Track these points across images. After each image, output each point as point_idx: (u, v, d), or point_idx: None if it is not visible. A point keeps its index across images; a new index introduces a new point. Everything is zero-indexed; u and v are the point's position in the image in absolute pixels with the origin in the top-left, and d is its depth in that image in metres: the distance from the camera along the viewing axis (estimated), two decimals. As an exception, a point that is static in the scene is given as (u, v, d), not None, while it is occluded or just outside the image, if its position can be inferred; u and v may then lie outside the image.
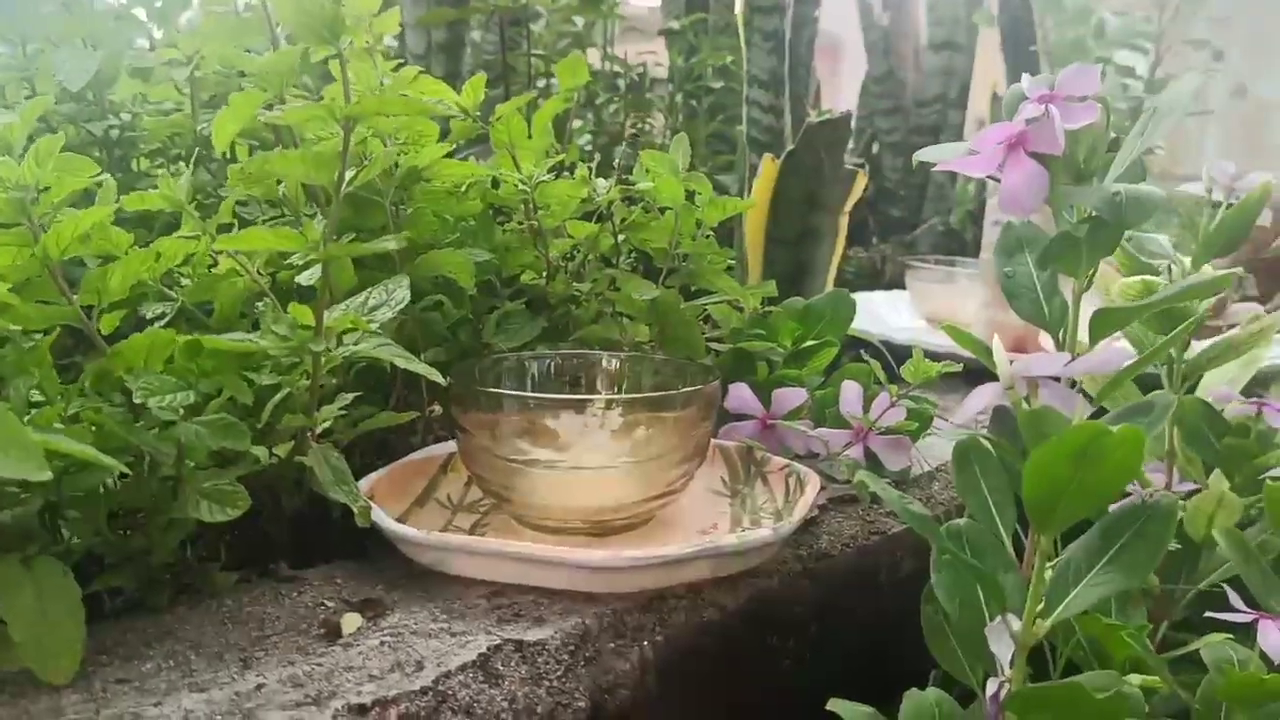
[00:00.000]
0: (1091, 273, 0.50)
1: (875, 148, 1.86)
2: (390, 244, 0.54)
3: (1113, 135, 0.50)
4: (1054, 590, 0.45)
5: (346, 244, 0.53)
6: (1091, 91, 0.47)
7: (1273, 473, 0.51)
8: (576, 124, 1.44)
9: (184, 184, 0.52)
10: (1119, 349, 0.49)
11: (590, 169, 0.74)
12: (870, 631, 0.66)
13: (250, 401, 0.50)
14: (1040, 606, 0.45)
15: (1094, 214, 0.48)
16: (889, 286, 1.46)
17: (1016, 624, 0.46)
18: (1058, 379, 0.48)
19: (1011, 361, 0.50)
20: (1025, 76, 0.50)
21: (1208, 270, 0.60)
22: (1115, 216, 0.46)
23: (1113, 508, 0.45)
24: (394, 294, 0.53)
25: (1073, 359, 0.48)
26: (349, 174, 0.52)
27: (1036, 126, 0.47)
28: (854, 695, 0.49)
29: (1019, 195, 0.47)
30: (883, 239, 1.79)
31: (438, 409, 0.72)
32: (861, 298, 0.99)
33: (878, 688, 0.52)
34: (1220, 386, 0.69)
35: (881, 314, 1.24)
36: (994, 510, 0.49)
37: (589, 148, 1.46)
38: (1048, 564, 0.45)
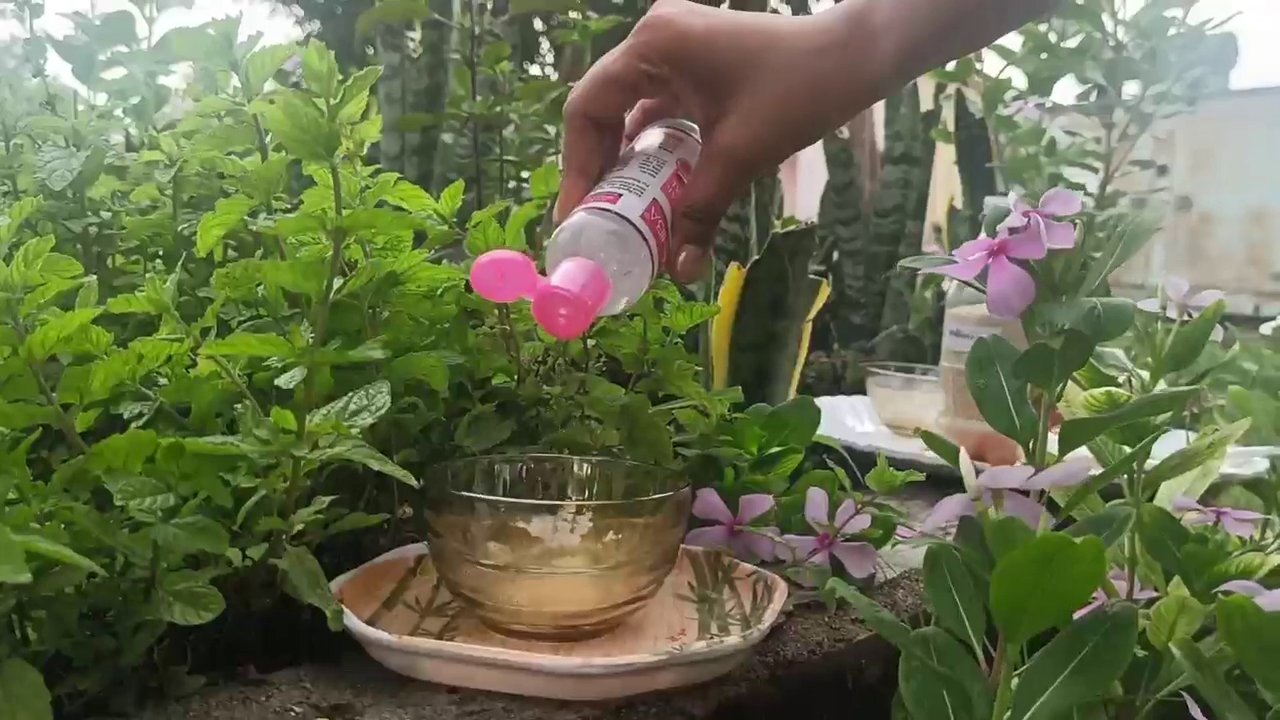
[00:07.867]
0: (1062, 386, 0.52)
1: (836, 255, 1.90)
2: (377, 353, 0.55)
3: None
4: (1020, 698, 0.46)
5: (333, 351, 0.54)
6: (1072, 213, 0.51)
7: (1227, 586, 0.53)
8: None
9: (170, 287, 0.53)
10: (1082, 461, 0.51)
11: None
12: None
13: (230, 504, 0.50)
14: (1008, 715, 0.46)
15: (1068, 328, 0.50)
16: (850, 391, 1.48)
17: (984, 733, 0.46)
18: (1023, 491, 0.50)
19: (978, 473, 0.51)
20: (1013, 193, 0.53)
21: (1164, 385, 0.62)
22: (1094, 330, 0.48)
23: (1076, 616, 0.46)
24: (375, 399, 0.54)
25: (1037, 471, 0.50)
26: (336, 283, 0.53)
27: (1020, 235, 0.50)
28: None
29: (1007, 297, 0.50)
30: (844, 345, 1.82)
31: (408, 510, 0.72)
32: (823, 402, 1.01)
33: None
34: (1179, 496, 0.71)
35: (843, 419, 1.26)
36: (964, 615, 0.50)
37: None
38: (1014, 672, 0.46)
